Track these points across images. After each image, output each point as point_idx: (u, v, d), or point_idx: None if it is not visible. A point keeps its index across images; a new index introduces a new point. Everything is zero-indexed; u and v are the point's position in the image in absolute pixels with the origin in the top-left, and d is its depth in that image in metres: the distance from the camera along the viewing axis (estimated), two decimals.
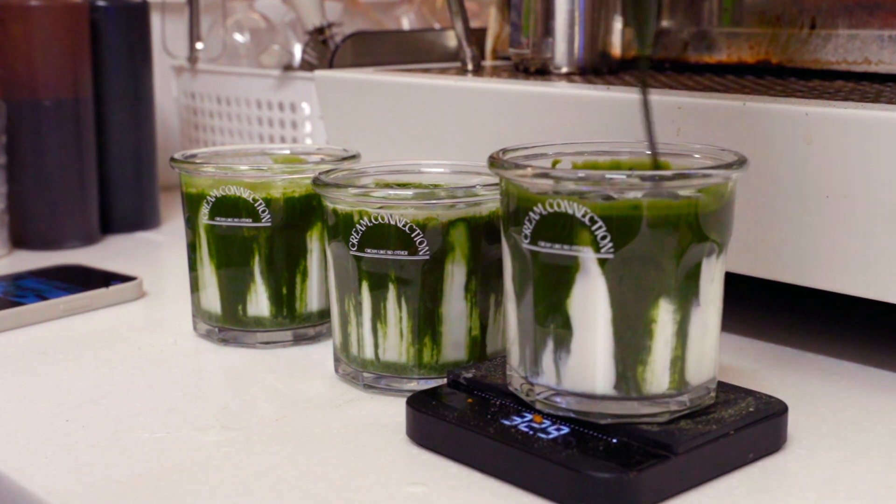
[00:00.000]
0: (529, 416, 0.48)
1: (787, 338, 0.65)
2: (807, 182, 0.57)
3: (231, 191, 0.63)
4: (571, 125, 0.67)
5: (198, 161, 0.66)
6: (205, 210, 0.63)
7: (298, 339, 0.65)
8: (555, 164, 0.53)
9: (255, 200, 0.62)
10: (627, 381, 0.46)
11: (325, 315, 0.65)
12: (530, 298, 0.48)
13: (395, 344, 0.56)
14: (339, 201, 0.55)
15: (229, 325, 0.65)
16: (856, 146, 0.55)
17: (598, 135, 0.64)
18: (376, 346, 0.56)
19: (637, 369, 0.46)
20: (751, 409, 0.48)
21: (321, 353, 0.63)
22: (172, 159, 0.65)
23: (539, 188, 0.46)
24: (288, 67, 0.99)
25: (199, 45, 1.09)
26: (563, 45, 0.80)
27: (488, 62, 0.94)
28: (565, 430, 0.47)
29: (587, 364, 0.47)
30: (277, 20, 1.12)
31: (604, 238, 0.45)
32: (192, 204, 0.64)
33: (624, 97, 0.64)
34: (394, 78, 0.79)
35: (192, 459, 0.49)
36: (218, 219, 0.63)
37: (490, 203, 0.55)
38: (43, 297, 0.71)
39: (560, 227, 0.46)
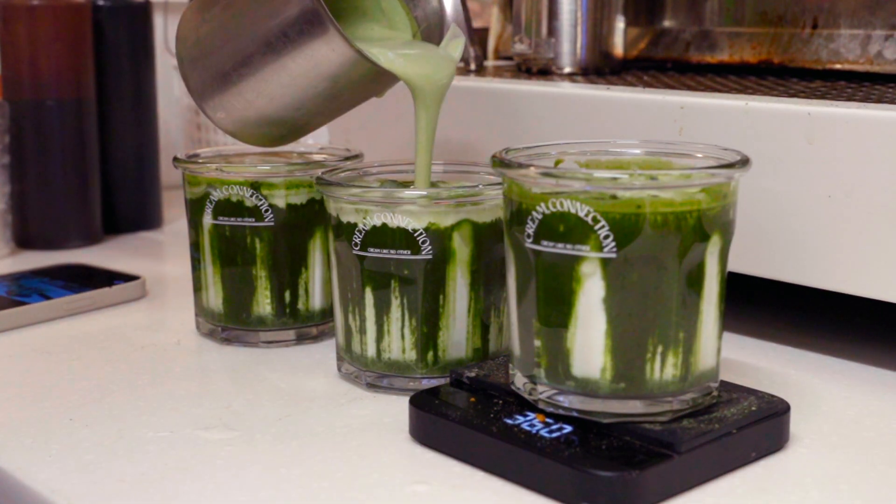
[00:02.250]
0: (532, 415, 0.48)
1: (789, 337, 0.65)
2: (809, 182, 0.57)
3: (234, 190, 0.63)
4: (574, 125, 0.67)
5: (201, 161, 0.66)
6: (208, 210, 0.64)
7: (301, 339, 0.65)
8: (557, 163, 0.53)
9: (257, 200, 0.62)
10: (630, 380, 0.46)
11: (327, 314, 0.65)
12: (533, 297, 0.48)
13: (398, 343, 0.56)
14: (342, 201, 0.56)
15: (232, 324, 0.65)
16: (858, 146, 0.55)
17: (600, 134, 0.64)
18: (379, 345, 0.56)
19: (639, 368, 0.46)
20: (753, 409, 0.48)
21: (324, 353, 0.63)
22: (176, 159, 0.65)
23: (542, 188, 0.46)
24: None
25: None
26: (566, 45, 0.80)
27: (490, 62, 0.94)
28: (568, 429, 0.47)
29: (590, 363, 0.47)
30: None
31: (606, 237, 0.45)
32: (194, 204, 0.65)
33: (626, 97, 0.64)
34: None
35: (195, 458, 0.49)
36: (221, 218, 0.63)
37: (493, 203, 0.55)
38: (46, 297, 0.71)
39: (563, 227, 0.46)
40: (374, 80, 0.59)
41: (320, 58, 0.57)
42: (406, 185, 0.61)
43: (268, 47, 0.57)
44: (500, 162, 0.49)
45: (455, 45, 0.61)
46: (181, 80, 0.64)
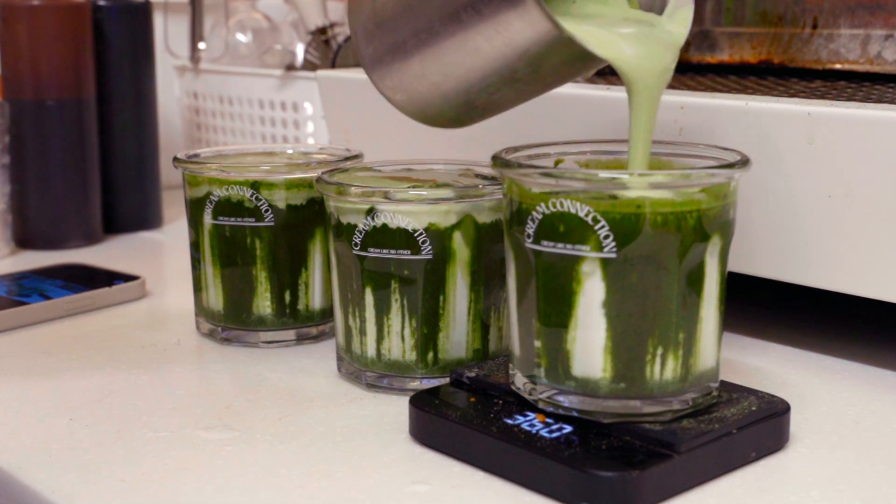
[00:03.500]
0: (532, 415, 0.48)
1: (789, 337, 0.65)
2: (809, 182, 0.57)
3: (234, 190, 0.63)
4: (574, 124, 0.67)
5: (201, 161, 0.66)
6: (208, 210, 0.64)
7: (301, 339, 0.65)
8: (557, 163, 0.53)
9: (257, 200, 0.62)
10: (630, 380, 0.47)
11: (327, 314, 0.65)
12: (533, 297, 0.48)
13: (398, 343, 0.56)
14: (342, 201, 0.56)
15: (232, 324, 0.65)
16: (858, 146, 0.55)
17: (600, 134, 0.64)
18: (379, 345, 0.56)
19: (639, 368, 0.46)
20: (753, 409, 0.48)
21: (324, 353, 0.63)
22: (176, 159, 0.65)
23: (542, 188, 0.46)
24: (290, 67, 0.99)
25: (201, 45, 1.09)
26: None
27: None
28: (568, 429, 0.47)
29: (590, 363, 0.47)
30: (280, 20, 1.12)
31: (606, 237, 0.45)
32: (194, 204, 0.65)
33: (625, 97, 0.64)
34: None
35: (195, 458, 0.49)
36: (221, 218, 0.63)
37: (493, 203, 0.55)
38: (46, 297, 0.71)
39: (563, 227, 0.46)
40: (582, 63, 0.50)
41: (516, 35, 0.47)
42: (406, 185, 0.61)
43: (454, 22, 0.48)
44: (500, 162, 0.49)
45: (681, 17, 0.50)
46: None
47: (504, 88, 0.51)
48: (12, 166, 0.89)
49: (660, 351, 0.46)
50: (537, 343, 0.48)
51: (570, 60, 0.49)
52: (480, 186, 0.55)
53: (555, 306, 0.47)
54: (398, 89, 0.52)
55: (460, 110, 0.53)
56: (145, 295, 0.76)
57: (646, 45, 0.48)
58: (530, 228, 0.47)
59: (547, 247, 0.47)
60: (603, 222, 0.45)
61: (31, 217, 0.90)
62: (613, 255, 0.45)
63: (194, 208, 0.65)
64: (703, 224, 0.46)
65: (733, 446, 0.46)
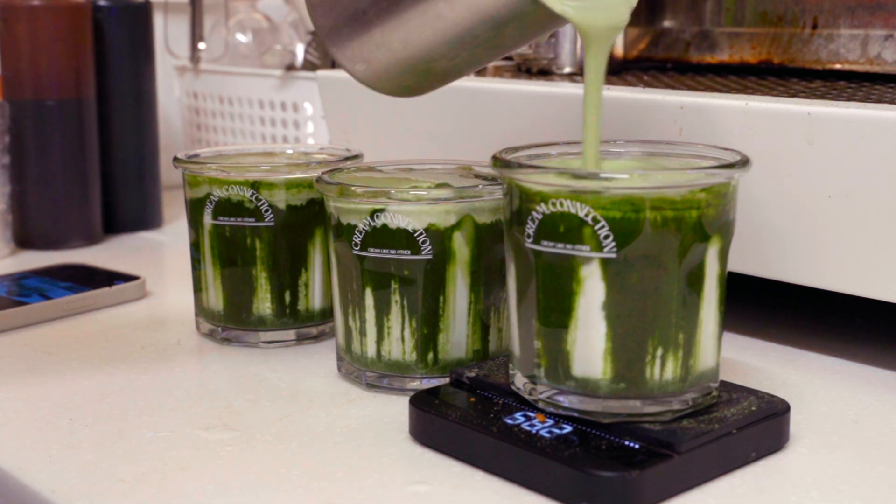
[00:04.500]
0: (532, 415, 0.48)
1: (789, 337, 0.65)
2: (809, 182, 0.57)
3: (234, 190, 0.63)
4: (574, 125, 0.67)
5: (201, 161, 0.66)
6: (208, 210, 0.64)
7: (301, 339, 0.65)
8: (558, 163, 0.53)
9: (257, 200, 0.62)
10: (630, 380, 0.47)
11: (327, 314, 0.65)
12: (533, 297, 0.48)
13: (398, 343, 0.56)
14: (342, 201, 0.56)
15: (232, 324, 0.65)
16: (858, 146, 0.55)
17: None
18: (379, 345, 0.56)
19: (639, 368, 0.46)
20: (753, 409, 0.48)
21: (324, 353, 0.63)
22: (176, 159, 0.65)
23: (542, 188, 0.46)
24: (290, 67, 0.99)
25: (201, 45, 1.09)
26: (566, 45, 0.80)
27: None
28: (568, 428, 0.47)
29: (589, 363, 0.47)
30: (280, 20, 1.12)
31: (606, 237, 0.45)
32: (194, 204, 0.65)
33: (626, 97, 0.64)
34: None
35: (195, 458, 0.49)
36: (221, 218, 0.63)
37: (493, 203, 0.55)
38: (46, 297, 0.71)
39: (563, 227, 0.46)
40: (542, 25, 0.51)
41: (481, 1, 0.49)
42: (406, 185, 0.61)
43: None
44: (500, 162, 0.49)
45: None
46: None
47: (464, 53, 0.51)
48: (12, 166, 0.89)
49: (660, 351, 0.46)
50: (537, 343, 0.48)
51: (530, 22, 0.50)
52: (480, 186, 0.55)
53: (555, 306, 0.47)
54: (357, 59, 0.53)
55: (419, 78, 0.54)
56: (145, 295, 0.76)
57: (607, 8, 0.50)
58: (530, 228, 0.47)
59: (547, 247, 0.47)
60: (603, 222, 0.45)
61: (31, 217, 0.90)
62: (613, 255, 0.45)
63: (194, 208, 0.65)
64: (703, 224, 0.46)
65: (733, 446, 0.47)
